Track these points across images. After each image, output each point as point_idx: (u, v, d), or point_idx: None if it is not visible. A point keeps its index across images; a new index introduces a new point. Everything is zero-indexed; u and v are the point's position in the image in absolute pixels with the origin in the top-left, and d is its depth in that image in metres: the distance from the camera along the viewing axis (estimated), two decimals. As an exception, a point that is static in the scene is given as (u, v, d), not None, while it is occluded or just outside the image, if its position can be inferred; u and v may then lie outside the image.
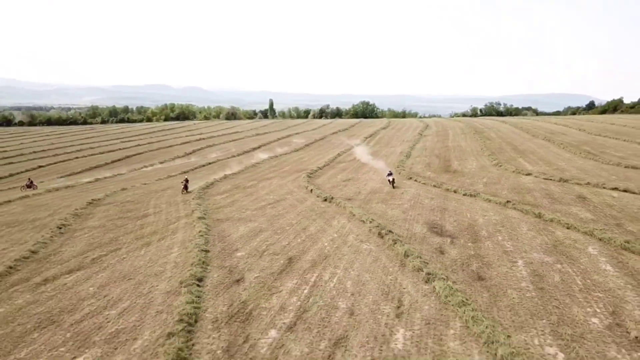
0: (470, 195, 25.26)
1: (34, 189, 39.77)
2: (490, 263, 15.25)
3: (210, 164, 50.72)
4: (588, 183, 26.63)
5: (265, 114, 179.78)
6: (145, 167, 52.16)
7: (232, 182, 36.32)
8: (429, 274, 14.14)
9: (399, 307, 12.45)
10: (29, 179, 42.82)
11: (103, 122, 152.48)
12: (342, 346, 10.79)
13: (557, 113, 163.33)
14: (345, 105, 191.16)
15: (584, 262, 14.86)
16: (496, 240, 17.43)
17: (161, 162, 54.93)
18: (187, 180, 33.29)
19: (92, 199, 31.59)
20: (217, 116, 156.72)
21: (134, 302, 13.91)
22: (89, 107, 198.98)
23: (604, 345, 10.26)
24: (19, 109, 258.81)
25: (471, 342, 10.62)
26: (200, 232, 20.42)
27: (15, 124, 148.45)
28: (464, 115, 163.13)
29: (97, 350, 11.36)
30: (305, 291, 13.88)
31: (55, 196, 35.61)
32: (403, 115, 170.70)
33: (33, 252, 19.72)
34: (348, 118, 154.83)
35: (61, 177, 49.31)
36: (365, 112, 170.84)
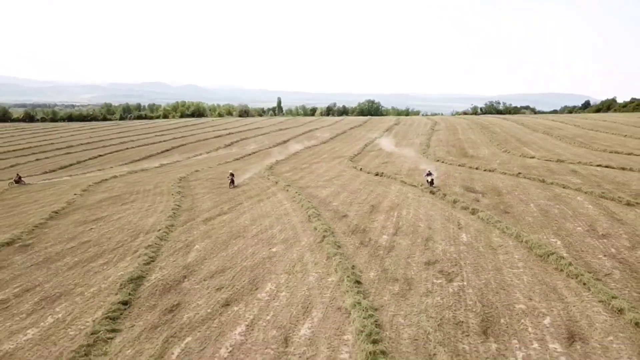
0: (489, 171, 32.97)
1: (22, 184, 40.99)
2: (512, 205, 22.93)
3: (254, 153, 58.28)
4: (579, 162, 34.40)
5: (273, 112, 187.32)
6: (196, 156, 59.65)
7: (287, 165, 43.89)
8: (473, 209, 21.81)
9: (458, 225, 20.12)
10: (18, 174, 43.83)
11: (121, 118, 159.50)
12: (430, 240, 18.42)
13: (554, 112, 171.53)
14: (344, 104, 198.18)
15: (574, 204, 22.55)
16: (514, 195, 25.11)
17: (207, 152, 62.45)
18: (232, 175, 33.22)
19: (180, 177, 39.05)
20: (230, 113, 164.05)
21: (283, 226, 21.51)
22: (102, 104, 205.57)
23: (583, 238, 17.92)
24: (23, 106, 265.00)
25: (507, 239, 18.25)
26: (296, 192, 28.02)
27: (37, 120, 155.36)
28: (465, 113, 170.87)
29: (280, 246, 18.94)
30: (394, 219, 21.52)
31: (141, 176, 43.04)
32: (407, 113, 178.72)
33: (178, 205, 27.28)
34: (354, 116, 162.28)
35: (124, 163, 56.67)
36: (371, 110, 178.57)
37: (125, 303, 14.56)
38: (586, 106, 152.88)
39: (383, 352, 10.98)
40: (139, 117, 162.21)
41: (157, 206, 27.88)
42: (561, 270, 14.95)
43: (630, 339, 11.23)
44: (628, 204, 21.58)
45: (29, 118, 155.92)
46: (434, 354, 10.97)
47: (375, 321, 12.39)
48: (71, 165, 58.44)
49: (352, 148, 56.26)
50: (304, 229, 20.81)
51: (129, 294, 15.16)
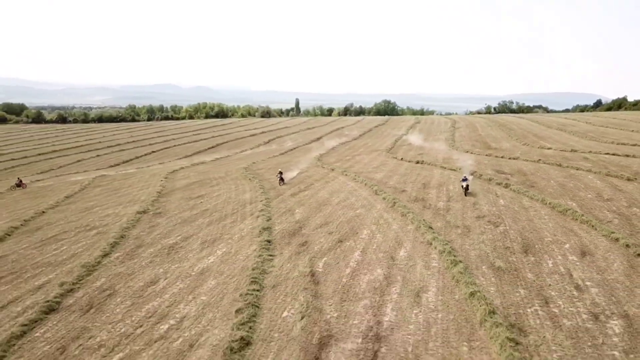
0: (513, 158, 38.93)
1: (23, 187, 42.80)
2: (536, 182, 28.95)
3: (295, 148, 64.61)
4: (590, 151, 40.20)
5: (293, 112, 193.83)
6: (243, 151, 66.10)
7: (332, 157, 50.10)
8: (505, 184, 27.90)
9: (496, 194, 26.22)
10: (19, 178, 45.87)
11: (149, 119, 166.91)
12: (477, 204, 24.53)
13: (567, 111, 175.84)
14: (354, 104, 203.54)
15: (585, 181, 28.52)
16: (536, 175, 31.11)
17: (251, 148, 68.93)
18: (281, 173, 35.37)
19: (243, 167, 45.40)
20: (252, 114, 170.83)
21: (357, 198, 27.73)
22: (126, 106, 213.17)
23: (592, 201, 23.92)
24: (42, 108, 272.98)
25: (535, 203, 24.31)
26: (354, 175, 34.22)
27: (69, 122, 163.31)
28: (479, 112, 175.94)
29: (361, 210, 25.14)
30: (444, 192, 27.67)
31: (206, 167, 49.49)
32: (422, 112, 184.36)
33: (261, 186, 33.60)
34: (372, 115, 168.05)
35: (179, 158, 63.27)
36: (387, 110, 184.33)
37: (269, 241, 20.90)
38: (598, 105, 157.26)
39: (460, 261, 17.17)
40: (165, 118, 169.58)
41: (242, 187, 34.23)
42: (576, 219, 21.02)
43: (622, 254, 17.30)
44: (628, 179, 27.52)
45: (61, 119, 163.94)
46: (494, 262, 17.13)
47: (450, 247, 18.58)
48: (130, 160, 65.21)
49: (384, 143, 62.36)
50: (374, 199, 27.05)
51: (268, 236, 21.51)
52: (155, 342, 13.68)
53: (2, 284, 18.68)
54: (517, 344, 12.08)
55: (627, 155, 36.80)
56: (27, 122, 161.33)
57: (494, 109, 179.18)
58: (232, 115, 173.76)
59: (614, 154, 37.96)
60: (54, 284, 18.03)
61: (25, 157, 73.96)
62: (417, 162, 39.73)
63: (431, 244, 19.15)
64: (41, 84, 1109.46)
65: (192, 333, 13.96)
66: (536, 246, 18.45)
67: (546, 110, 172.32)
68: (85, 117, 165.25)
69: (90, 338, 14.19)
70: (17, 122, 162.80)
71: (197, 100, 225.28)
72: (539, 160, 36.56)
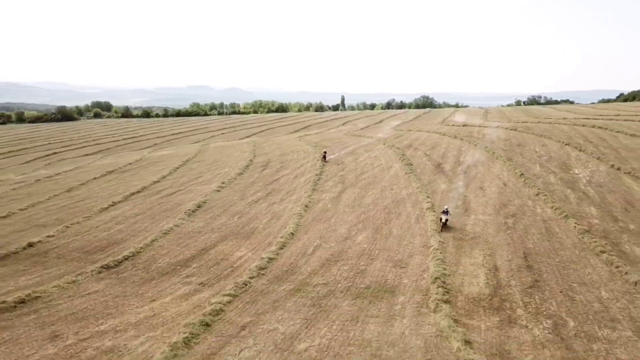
0: (523, 122, 61.97)
1: None
2: (532, 129, 52.12)
3: (368, 126, 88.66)
4: (575, 118, 62.79)
5: (336, 108, 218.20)
6: (329, 129, 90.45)
7: (403, 127, 73.95)
8: (515, 129, 51.42)
9: (515, 137, 49.80)
10: None
11: (219, 113, 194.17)
12: (499, 136, 48.22)
13: (592, 104, 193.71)
14: (395, 100, 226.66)
15: (560, 127, 51.56)
16: (534, 127, 54.16)
17: (334, 127, 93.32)
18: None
19: (344, 134, 69.69)
20: (307, 109, 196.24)
21: (434, 138, 51.66)
22: (192, 104, 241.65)
23: (559, 133, 47.25)
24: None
25: (529, 134, 47.76)
26: (427, 131, 58.10)
27: (152, 116, 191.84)
28: (509, 105, 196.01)
29: (437, 140, 49.12)
30: (481, 135, 51.36)
31: (318, 136, 73.78)
32: (457, 106, 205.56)
33: (371, 138, 57.84)
34: (413, 108, 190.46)
35: (287, 133, 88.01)
36: (425, 104, 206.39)
37: (398, 148, 45.11)
38: (618, 97, 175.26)
39: (491, 149, 41.04)
40: (233, 113, 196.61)
41: (360, 139, 58.41)
42: (547, 137, 44.49)
43: (565, 152, 40.82)
44: (583, 125, 50.51)
45: (146, 115, 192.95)
46: (505, 149, 40.94)
47: (488, 148, 42.37)
48: (250, 135, 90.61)
49: (435, 121, 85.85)
50: (443, 137, 50.94)
51: (397, 147, 45.70)
52: (375, 167, 38.18)
53: (288, 163, 43.35)
54: (521, 175, 35.92)
55: (595, 119, 59.41)
56: (117, 117, 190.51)
57: (523, 102, 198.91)
58: (289, 110, 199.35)
59: (587, 119, 60.56)
60: (312, 162, 42.69)
61: (164, 136, 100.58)
62: (464, 126, 63.14)
63: (476, 145, 43.03)
64: (81, 87, 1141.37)
65: (387, 165, 38.46)
66: (522, 144, 42.12)
67: (572, 103, 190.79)
68: (165, 113, 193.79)
69: (347, 168, 38.77)
70: (109, 117, 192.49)
71: (230, 101, 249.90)
72: (539, 122, 59.56)
